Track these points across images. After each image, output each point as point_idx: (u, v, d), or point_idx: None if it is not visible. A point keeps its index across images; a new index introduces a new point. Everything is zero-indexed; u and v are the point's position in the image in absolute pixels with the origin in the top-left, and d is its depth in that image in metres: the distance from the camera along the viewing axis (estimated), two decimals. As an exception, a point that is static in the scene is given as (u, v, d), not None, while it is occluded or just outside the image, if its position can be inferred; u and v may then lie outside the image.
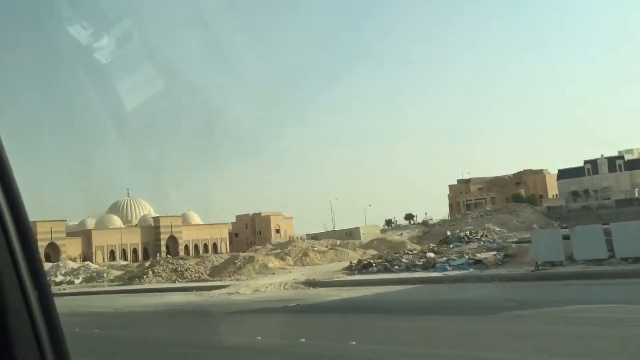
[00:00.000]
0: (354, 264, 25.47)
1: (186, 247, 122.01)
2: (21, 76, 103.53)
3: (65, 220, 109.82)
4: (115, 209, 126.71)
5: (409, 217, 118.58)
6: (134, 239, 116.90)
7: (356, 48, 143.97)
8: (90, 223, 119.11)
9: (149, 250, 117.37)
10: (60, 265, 62.05)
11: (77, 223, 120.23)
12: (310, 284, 22.20)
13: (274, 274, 31.36)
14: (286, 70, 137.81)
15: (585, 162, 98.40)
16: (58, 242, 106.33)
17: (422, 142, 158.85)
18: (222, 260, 39.06)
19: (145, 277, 36.14)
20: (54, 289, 42.15)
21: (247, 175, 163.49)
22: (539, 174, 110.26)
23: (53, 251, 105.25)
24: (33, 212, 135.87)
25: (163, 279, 35.99)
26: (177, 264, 37.48)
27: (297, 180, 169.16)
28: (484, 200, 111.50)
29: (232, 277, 34.59)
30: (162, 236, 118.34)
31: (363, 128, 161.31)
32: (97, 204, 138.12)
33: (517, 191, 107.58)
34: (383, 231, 77.42)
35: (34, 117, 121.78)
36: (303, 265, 38.71)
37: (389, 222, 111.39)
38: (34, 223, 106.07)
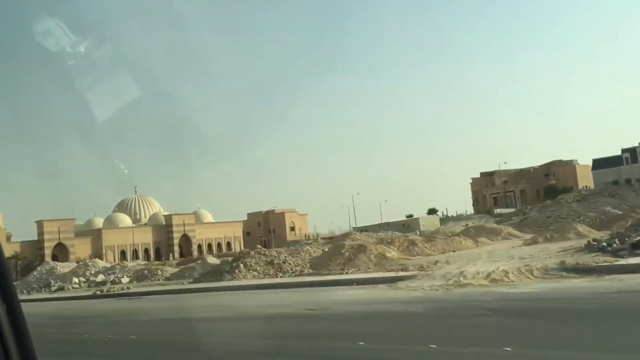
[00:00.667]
0: (602, 245, 18.57)
1: (199, 246, 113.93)
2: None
3: (74, 219, 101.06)
4: (123, 207, 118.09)
5: (432, 211, 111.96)
6: (146, 239, 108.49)
7: (364, 41, 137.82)
8: (98, 222, 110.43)
9: (161, 249, 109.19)
10: (89, 264, 54.12)
11: (83, 223, 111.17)
12: (576, 270, 15.26)
13: (432, 266, 24.12)
14: (281, 65, 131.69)
15: (623, 150, 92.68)
16: (66, 243, 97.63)
17: (436, 137, 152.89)
18: (321, 252, 31.80)
19: (237, 271, 28.75)
20: (102, 289, 34.47)
21: (248, 173, 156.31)
22: (569, 164, 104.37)
23: (61, 252, 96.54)
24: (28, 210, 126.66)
25: (259, 273, 28.68)
26: (272, 256, 30.16)
27: (302, 179, 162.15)
28: (513, 192, 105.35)
29: (345, 270, 27.46)
30: (174, 235, 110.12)
31: (375, 124, 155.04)
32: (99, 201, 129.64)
33: (548, 182, 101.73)
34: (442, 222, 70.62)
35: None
36: (412, 255, 31.69)
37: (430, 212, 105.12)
38: (40, 222, 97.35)
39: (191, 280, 34.54)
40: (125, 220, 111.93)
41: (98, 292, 31.07)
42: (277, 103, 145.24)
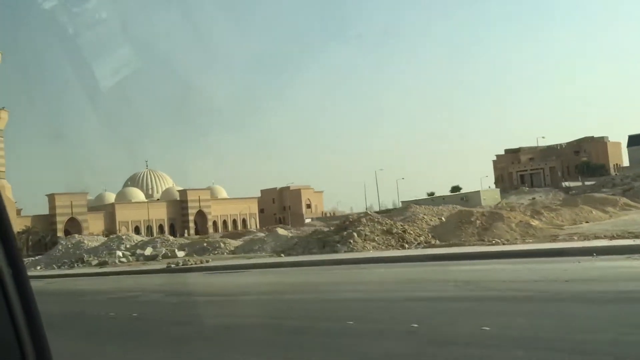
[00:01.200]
0: None
1: (214, 223, 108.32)
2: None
3: (87, 193, 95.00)
4: (135, 181, 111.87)
5: (455, 189, 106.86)
6: (160, 214, 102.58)
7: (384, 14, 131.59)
8: (109, 197, 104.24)
9: (176, 225, 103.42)
10: (123, 237, 48.65)
11: (93, 198, 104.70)
12: None
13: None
14: (287, 37, 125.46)
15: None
16: (79, 217, 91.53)
17: (452, 115, 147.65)
18: (437, 221, 26.54)
19: (351, 241, 23.39)
20: (177, 262, 28.99)
21: (255, 150, 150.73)
22: (600, 141, 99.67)
23: (73, 227, 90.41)
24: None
25: (378, 243, 23.38)
26: (389, 224, 24.85)
27: (307, 158, 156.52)
28: (542, 170, 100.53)
29: (486, 240, 22.29)
30: (190, 211, 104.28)
31: (389, 101, 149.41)
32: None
33: (580, 159, 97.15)
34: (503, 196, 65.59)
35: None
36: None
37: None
38: (52, 196, 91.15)
39: (270, 253, 29.16)
40: (138, 195, 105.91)
41: (173, 266, 25.58)
42: (285, 77, 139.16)
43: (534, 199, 49.63)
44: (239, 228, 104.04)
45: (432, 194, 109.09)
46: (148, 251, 38.23)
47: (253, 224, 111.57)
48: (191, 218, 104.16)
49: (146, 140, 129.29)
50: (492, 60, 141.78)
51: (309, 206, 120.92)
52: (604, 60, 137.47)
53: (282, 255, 25.07)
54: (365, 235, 23.84)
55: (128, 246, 44.32)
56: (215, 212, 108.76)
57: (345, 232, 24.26)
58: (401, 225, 24.67)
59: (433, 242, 23.59)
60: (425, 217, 26.59)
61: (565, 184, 68.37)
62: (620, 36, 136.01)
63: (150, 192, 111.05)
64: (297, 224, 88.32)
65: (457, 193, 59.49)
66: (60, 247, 50.29)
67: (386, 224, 24.71)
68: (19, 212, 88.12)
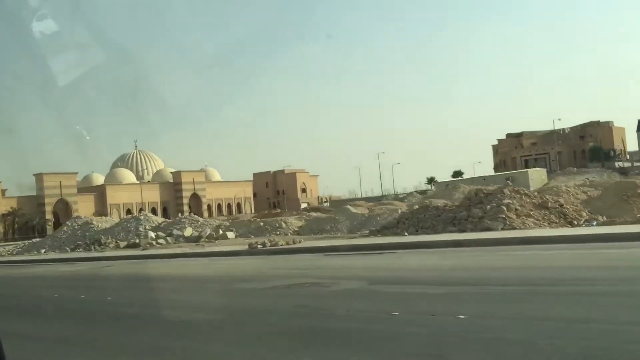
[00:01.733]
0: None
1: (209, 206, 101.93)
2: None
3: (77, 173, 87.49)
4: (124, 162, 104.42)
5: (457, 174, 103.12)
6: (153, 197, 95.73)
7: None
8: (98, 179, 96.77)
9: (169, 209, 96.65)
10: (142, 218, 42.51)
11: (79, 180, 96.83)
12: None
13: None
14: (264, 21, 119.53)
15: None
16: (69, 199, 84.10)
17: (449, 101, 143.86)
18: (584, 196, 21.68)
19: (503, 216, 18.27)
20: (263, 243, 23.58)
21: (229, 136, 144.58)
22: (606, 126, 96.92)
23: (61, 209, 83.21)
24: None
25: (537, 219, 18.37)
26: (537, 197, 19.86)
27: (290, 143, 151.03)
28: (547, 155, 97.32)
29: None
30: (184, 194, 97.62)
31: (383, 83, 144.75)
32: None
33: (585, 144, 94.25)
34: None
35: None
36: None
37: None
38: (40, 175, 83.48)
39: (348, 232, 23.90)
40: (128, 176, 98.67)
41: (259, 247, 20.12)
42: (275, 61, 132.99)
43: (587, 179, 45.58)
44: (234, 212, 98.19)
45: (432, 179, 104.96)
46: (188, 232, 32.55)
47: (248, 207, 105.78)
48: (185, 201, 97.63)
49: (128, 125, 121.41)
50: (483, 46, 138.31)
51: (304, 190, 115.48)
52: (607, 44, 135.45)
53: (401, 233, 19.81)
54: (516, 209, 18.73)
55: (148, 227, 38.49)
56: (209, 196, 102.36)
57: (488, 207, 19.07)
58: (554, 200, 19.70)
59: (601, 218, 18.75)
60: (569, 190, 21.68)
61: (619, 164, 64.86)
62: (624, 20, 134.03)
63: (140, 173, 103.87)
64: (293, 208, 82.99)
65: (502, 173, 55.20)
66: (65, 228, 44.49)
67: (535, 197, 19.68)
68: (3, 192, 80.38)
